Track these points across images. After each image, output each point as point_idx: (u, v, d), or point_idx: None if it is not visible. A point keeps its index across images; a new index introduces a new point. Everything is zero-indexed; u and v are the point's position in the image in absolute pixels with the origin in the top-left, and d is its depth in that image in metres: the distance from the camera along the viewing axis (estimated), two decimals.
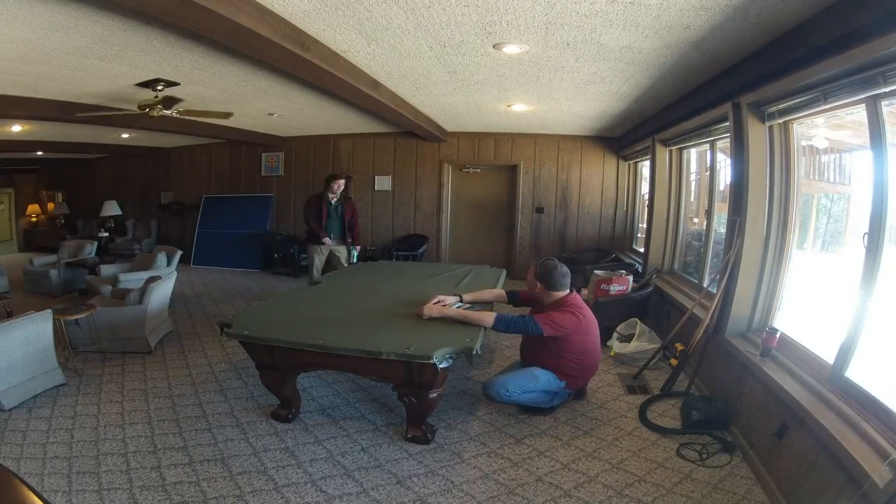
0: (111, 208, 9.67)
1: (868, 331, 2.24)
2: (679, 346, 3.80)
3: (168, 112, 4.58)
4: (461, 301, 3.49)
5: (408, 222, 8.31)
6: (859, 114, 2.44)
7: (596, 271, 5.03)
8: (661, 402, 3.48)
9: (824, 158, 3.26)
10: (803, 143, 3.14)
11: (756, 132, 3.18)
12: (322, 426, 3.09)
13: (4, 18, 2.68)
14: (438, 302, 3.29)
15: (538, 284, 3.29)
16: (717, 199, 4.37)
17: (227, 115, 4.91)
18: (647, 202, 6.17)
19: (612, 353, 4.31)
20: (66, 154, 9.77)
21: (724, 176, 4.27)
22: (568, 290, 3.27)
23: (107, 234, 9.48)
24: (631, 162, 7.35)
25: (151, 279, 4.66)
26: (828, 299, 2.92)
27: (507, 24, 2.76)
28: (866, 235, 2.26)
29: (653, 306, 4.97)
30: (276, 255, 8.26)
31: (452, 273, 4.98)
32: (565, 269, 3.26)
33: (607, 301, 4.68)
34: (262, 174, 9.00)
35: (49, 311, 3.56)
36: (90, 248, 7.17)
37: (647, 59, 3.25)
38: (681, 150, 5.21)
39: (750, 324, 3.29)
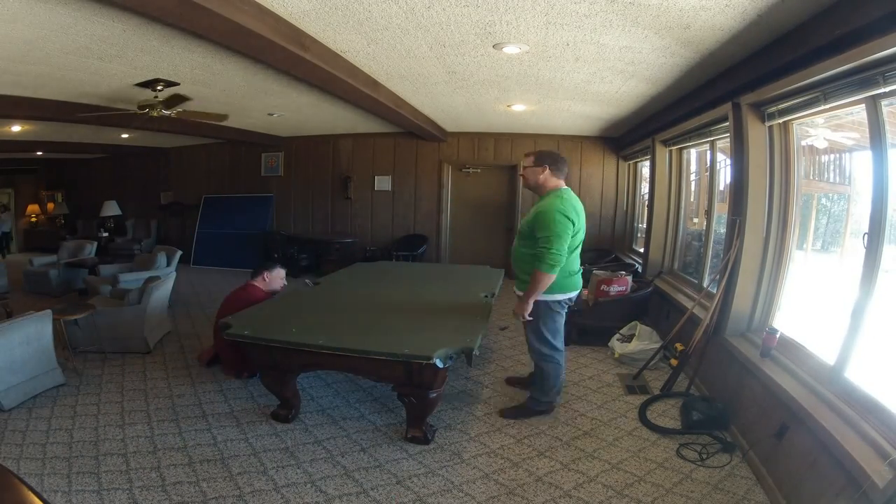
0: (111, 208, 9.67)
1: (868, 331, 2.24)
2: (679, 347, 3.81)
3: (168, 112, 4.57)
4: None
5: (407, 222, 8.30)
6: (859, 114, 2.44)
7: (596, 271, 5.03)
8: (661, 402, 3.48)
9: (824, 158, 3.26)
10: (804, 142, 3.14)
11: (756, 132, 3.18)
12: (322, 426, 3.09)
13: (4, 18, 2.68)
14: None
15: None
16: (717, 199, 4.37)
17: (222, 118, 4.90)
18: (647, 202, 6.17)
19: (615, 356, 4.31)
20: (66, 154, 9.77)
21: (724, 176, 4.27)
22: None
23: (106, 235, 9.48)
24: (631, 162, 7.34)
25: (151, 279, 4.66)
26: (827, 299, 2.92)
27: (507, 24, 2.76)
28: (866, 235, 2.26)
29: (653, 306, 4.97)
30: (275, 256, 8.25)
31: (452, 273, 4.98)
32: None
33: (607, 301, 4.69)
34: (262, 174, 9.00)
35: (49, 311, 3.56)
36: (90, 249, 7.17)
37: (647, 59, 3.24)
38: (681, 150, 5.21)
39: (750, 324, 3.29)
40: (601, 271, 5.06)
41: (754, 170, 3.17)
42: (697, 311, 3.76)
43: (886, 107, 2.20)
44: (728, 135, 3.54)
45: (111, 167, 10.56)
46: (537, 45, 3.11)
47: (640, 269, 5.77)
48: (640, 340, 4.23)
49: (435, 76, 4.08)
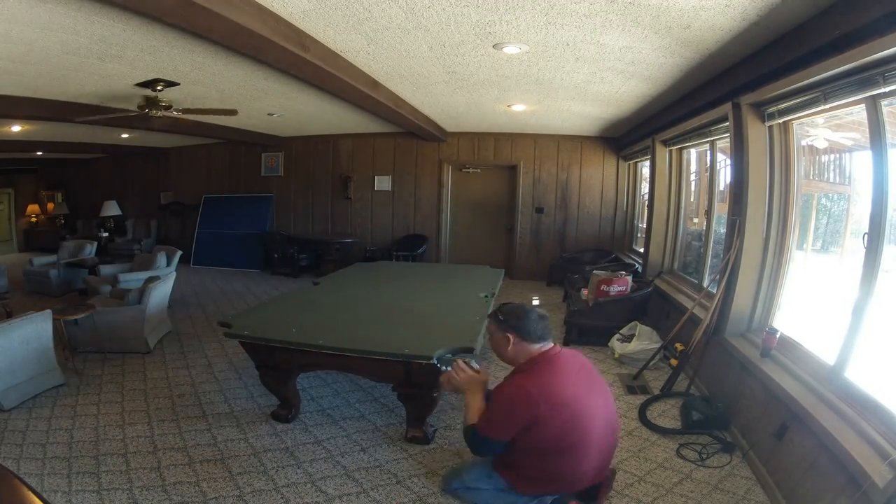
0: (111, 208, 9.67)
1: (868, 331, 2.24)
2: (679, 346, 3.80)
3: (168, 112, 4.57)
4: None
5: (408, 222, 8.31)
6: (859, 114, 2.44)
7: (596, 271, 5.03)
8: (661, 402, 3.48)
9: (824, 158, 3.26)
10: (804, 142, 3.14)
11: (756, 132, 3.18)
12: (322, 426, 3.09)
13: (4, 18, 2.68)
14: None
15: (509, 337, 2.12)
16: (717, 199, 4.37)
17: (232, 112, 4.83)
18: (647, 202, 6.17)
19: (615, 356, 4.31)
20: (66, 154, 9.76)
21: (724, 176, 4.27)
22: (548, 343, 2.14)
23: (106, 235, 9.48)
24: (631, 162, 7.35)
25: (151, 279, 4.66)
26: (827, 299, 2.92)
27: (507, 24, 2.76)
28: (866, 235, 2.26)
29: (653, 306, 4.97)
30: (276, 256, 8.26)
31: (452, 273, 4.97)
32: (540, 312, 2.18)
33: (607, 302, 4.69)
34: (262, 174, 9.00)
35: (49, 311, 3.56)
36: (90, 249, 7.17)
37: (647, 59, 3.24)
38: (681, 150, 5.21)
39: (750, 324, 3.29)
40: (601, 271, 5.06)
41: (754, 170, 3.17)
42: (697, 311, 3.76)
43: (886, 107, 2.21)
44: (728, 135, 3.54)
45: (111, 167, 10.55)
46: (537, 45, 3.11)
47: (640, 269, 5.77)
48: (640, 340, 4.23)
49: (435, 76, 4.08)
